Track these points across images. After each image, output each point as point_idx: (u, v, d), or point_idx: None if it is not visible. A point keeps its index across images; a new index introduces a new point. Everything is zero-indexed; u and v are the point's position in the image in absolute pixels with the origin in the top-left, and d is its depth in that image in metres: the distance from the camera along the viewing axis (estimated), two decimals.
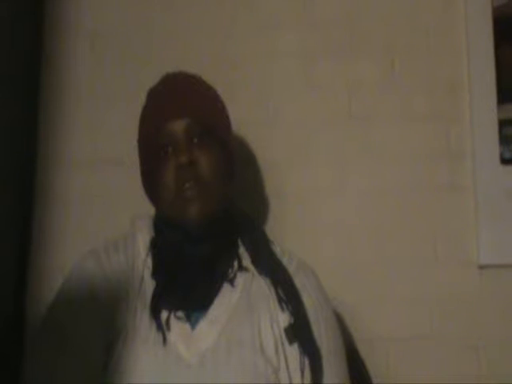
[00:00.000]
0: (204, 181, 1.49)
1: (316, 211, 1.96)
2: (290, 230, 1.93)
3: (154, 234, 1.57)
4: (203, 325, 1.45)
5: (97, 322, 1.44)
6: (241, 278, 1.52)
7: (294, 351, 1.45)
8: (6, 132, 1.93)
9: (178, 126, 1.51)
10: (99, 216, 1.98)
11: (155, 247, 1.54)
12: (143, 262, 1.52)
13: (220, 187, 1.52)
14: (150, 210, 1.58)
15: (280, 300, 1.49)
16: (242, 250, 1.55)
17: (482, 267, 1.90)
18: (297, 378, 1.44)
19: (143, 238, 1.56)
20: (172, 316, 1.45)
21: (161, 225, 1.56)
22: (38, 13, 2.08)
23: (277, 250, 1.58)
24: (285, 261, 1.56)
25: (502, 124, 1.94)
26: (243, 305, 1.49)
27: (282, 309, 1.48)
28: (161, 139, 1.51)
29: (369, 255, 1.93)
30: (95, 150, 2.03)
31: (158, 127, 1.52)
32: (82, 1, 2.10)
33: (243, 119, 1.85)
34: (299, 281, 1.53)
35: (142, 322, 1.45)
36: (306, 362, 1.44)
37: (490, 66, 1.94)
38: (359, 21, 2.03)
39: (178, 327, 1.45)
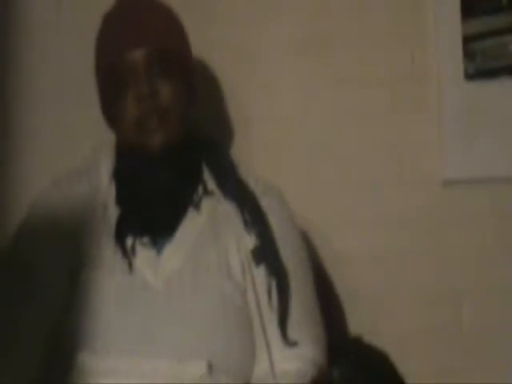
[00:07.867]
0: (165, 111, 1.47)
1: (281, 136, 1.93)
2: (255, 155, 1.91)
3: (116, 161, 1.55)
4: (169, 249, 1.45)
5: (59, 250, 1.44)
6: (206, 203, 1.51)
7: (260, 272, 1.46)
8: None
9: (138, 56, 1.48)
10: (62, 149, 1.94)
11: (118, 174, 1.53)
12: (106, 189, 1.51)
13: (181, 115, 1.51)
14: (111, 138, 1.56)
15: (246, 223, 1.49)
16: (206, 175, 1.54)
17: (445, 183, 1.90)
18: (264, 299, 1.45)
19: (105, 165, 1.55)
20: (137, 242, 1.45)
21: (121, 152, 1.55)
22: None
23: (242, 173, 1.58)
24: (251, 184, 1.55)
25: (466, 40, 1.93)
26: (209, 229, 1.49)
27: (249, 231, 1.48)
28: (119, 69, 1.48)
29: (334, 177, 1.92)
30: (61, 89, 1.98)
31: (115, 57, 1.49)
32: None
33: (207, 44, 1.84)
34: (265, 203, 1.53)
35: (106, 250, 1.45)
36: (273, 282, 1.45)
37: None
38: None
39: (143, 253, 1.45)
